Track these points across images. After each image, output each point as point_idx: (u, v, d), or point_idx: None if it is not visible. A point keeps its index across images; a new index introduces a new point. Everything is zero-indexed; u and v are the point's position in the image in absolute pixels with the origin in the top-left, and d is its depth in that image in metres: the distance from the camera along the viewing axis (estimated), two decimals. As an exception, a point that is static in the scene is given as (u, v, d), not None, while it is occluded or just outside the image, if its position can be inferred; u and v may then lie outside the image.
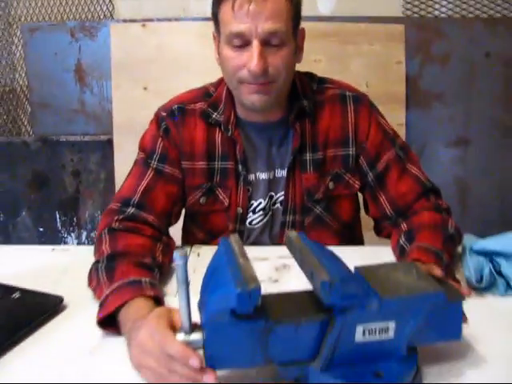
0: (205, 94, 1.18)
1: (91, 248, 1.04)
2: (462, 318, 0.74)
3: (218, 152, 1.14)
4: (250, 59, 1.00)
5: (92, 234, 2.29)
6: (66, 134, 2.20)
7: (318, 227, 1.17)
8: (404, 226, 1.11)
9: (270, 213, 1.18)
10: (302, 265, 0.71)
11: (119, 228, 1.02)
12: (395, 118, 2.07)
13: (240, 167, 1.13)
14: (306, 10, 2.10)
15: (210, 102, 1.15)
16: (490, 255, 1.01)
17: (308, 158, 1.14)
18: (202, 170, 1.14)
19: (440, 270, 0.81)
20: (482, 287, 0.98)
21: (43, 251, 1.19)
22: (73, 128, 2.21)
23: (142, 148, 1.16)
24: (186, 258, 0.65)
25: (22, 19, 2.20)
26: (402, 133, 2.09)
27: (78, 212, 2.26)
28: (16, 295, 0.95)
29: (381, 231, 1.21)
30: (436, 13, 2.17)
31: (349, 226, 1.23)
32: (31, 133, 2.29)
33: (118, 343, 0.82)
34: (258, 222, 1.18)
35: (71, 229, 2.27)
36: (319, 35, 2.05)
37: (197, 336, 0.67)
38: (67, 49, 2.15)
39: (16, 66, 2.26)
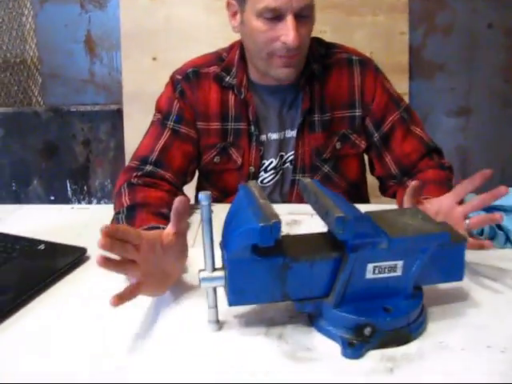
0: (218, 58, 1.23)
1: (110, 206, 1.09)
2: (464, 259, 0.79)
3: (232, 113, 1.19)
4: (287, 33, 1.04)
5: (102, 202, 2.34)
6: (77, 104, 2.25)
7: (326, 185, 1.22)
8: (409, 183, 1.16)
9: (281, 172, 1.23)
10: (317, 206, 0.76)
11: (138, 183, 1.08)
12: (399, 87, 2.08)
13: (252, 128, 1.19)
14: (311, -19, 2.13)
15: (223, 66, 1.20)
16: (490, 210, 1.06)
17: (316, 118, 1.20)
18: (216, 130, 1.19)
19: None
20: (483, 240, 1.04)
21: (63, 209, 1.24)
22: (83, 98, 2.26)
23: (158, 109, 1.21)
24: (210, 199, 0.71)
25: (32, -9, 2.23)
26: (405, 103, 2.14)
27: (89, 181, 2.32)
28: (41, 247, 0.99)
29: (386, 190, 1.27)
30: (440, -17, 2.20)
31: (356, 185, 1.29)
32: (42, 103, 2.34)
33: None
34: (270, 181, 1.23)
35: (82, 197, 2.33)
36: (324, 7, 2.08)
37: (219, 273, 0.73)
38: (77, 20, 2.19)
39: (26, 38, 2.29)
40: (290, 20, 1.04)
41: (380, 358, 0.70)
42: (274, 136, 1.21)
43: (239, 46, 1.20)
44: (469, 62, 2.19)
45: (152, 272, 0.75)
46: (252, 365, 0.69)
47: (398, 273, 0.75)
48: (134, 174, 1.10)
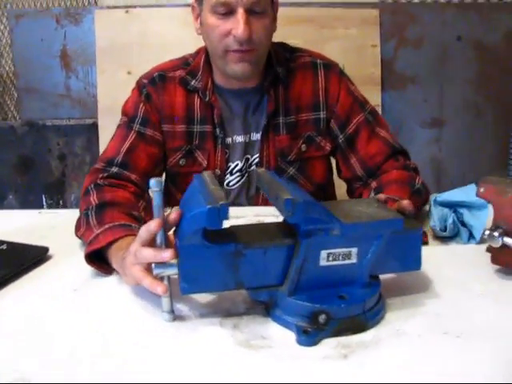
0: (184, 63, 1.24)
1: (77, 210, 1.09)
2: (421, 248, 0.80)
3: (197, 116, 1.20)
4: (237, 26, 1.05)
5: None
6: (52, 119, 2.25)
7: (292, 188, 1.23)
8: (374, 184, 1.17)
9: (247, 174, 1.24)
10: (269, 194, 0.76)
11: (104, 184, 1.07)
12: (371, 99, 2.09)
13: (217, 130, 1.19)
14: (283, -5, 2.17)
15: (189, 70, 1.21)
16: (453, 206, 1.07)
17: (281, 121, 1.21)
18: (182, 132, 1.20)
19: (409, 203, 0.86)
20: (446, 236, 1.05)
21: (31, 214, 1.25)
22: (59, 112, 2.26)
23: (124, 113, 1.21)
24: (161, 185, 0.71)
25: (8, 6, 2.24)
26: (378, 114, 2.16)
27: (64, 195, 2.30)
28: (3, 247, 1.00)
29: (353, 192, 1.27)
30: (410, -2, 2.25)
31: (322, 187, 1.29)
32: (18, 118, 2.33)
33: (100, 283, 0.88)
34: (235, 184, 1.24)
35: (58, 212, 2.31)
36: (296, 20, 2.12)
37: (172, 261, 0.72)
38: (53, 35, 2.20)
39: (2, 53, 2.30)
40: (240, 14, 1.05)
41: (335, 345, 0.70)
42: (240, 139, 1.22)
43: (205, 50, 1.22)
44: (440, 73, 2.23)
45: None
46: (204, 353, 0.68)
47: (353, 260, 0.75)
48: (100, 175, 1.10)
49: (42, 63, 2.22)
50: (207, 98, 1.18)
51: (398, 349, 0.69)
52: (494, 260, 0.90)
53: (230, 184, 1.24)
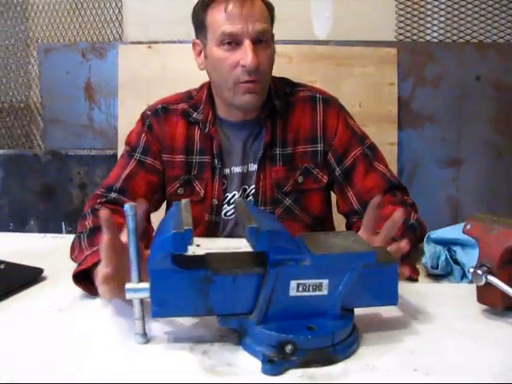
0: (187, 96, 1.28)
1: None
2: (397, 282, 0.78)
3: (197, 147, 1.23)
4: (245, 56, 1.10)
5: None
6: (75, 149, 2.32)
7: (288, 219, 1.24)
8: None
9: (244, 205, 1.25)
10: (240, 222, 0.77)
11: (101, 209, 1.10)
12: (387, 137, 2.14)
13: (216, 161, 1.22)
14: (302, 34, 2.23)
15: (192, 104, 1.26)
16: (447, 244, 1.06)
17: (278, 152, 1.23)
18: (181, 162, 1.23)
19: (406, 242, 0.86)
20: (438, 274, 1.03)
21: (35, 237, 1.31)
22: (81, 143, 2.34)
23: (127, 143, 1.26)
24: (135, 210, 0.73)
25: (39, 41, 2.36)
26: (394, 152, 2.16)
27: (83, 223, 2.35)
28: (1, 266, 1.04)
29: (351, 227, 1.27)
30: (428, 37, 2.26)
31: (320, 220, 1.29)
32: (43, 147, 2.42)
33: (86, 304, 0.90)
34: (232, 214, 1.25)
35: (76, 239, 2.36)
36: (314, 58, 2.16)
37: (145, 284, 0.74)
38: (78, 68, 2.30)
39: (31, 84, 2.41)
40: (247, 44, 1.09)
41: (300, 375, 0.69)
42: (237, 169, 1.24)
43: (208, 85, 1.26)
44: (458, 113, 2.22)
45: (121, 273, 0.78)
46: (167, 378, 0.69)
47: (324, 292, 0.74)
48: (99, 200, 1.14)
49: (67, 95, 2.31)
50: (207, 130, 1.22)
51: (364, 383, 0.68)
52: (480, 299, 0.87)
53: (228, 214, 1.25)
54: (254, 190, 1.24)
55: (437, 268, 1.02)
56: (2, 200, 2.34)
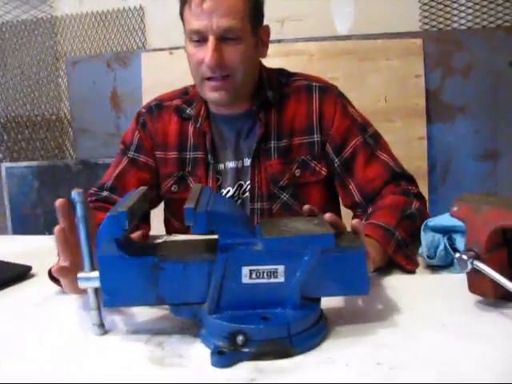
0: (183, 92, 1.27)
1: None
2: (366, 270, 0.72)
3: (190, 143, 1.21)
4: (207, 53, 1.07)
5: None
6: (103, 157, 2.37)
7: (286, 215, 1.19)
8: (369, 209, 1.11)
9: (240, 201, 1.21)
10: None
11: (92, 208, 1.11)
12: (415, 131, 2.05)
13: (209, 157, 1.19)
14: (324, 30, 2.19)
15: (186, 99, 1.24)
16: (447, 231, 0.98)
17: (272, 145, 1.18)
18: (174, 159, 1.21)
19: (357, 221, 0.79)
20: (436, 264, 0.95)
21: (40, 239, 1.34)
22: (109, 151, 2.38)
23: (122, 141, 1.26)
24: (83, 196, 0.71)
25: (67, 54, 2.44)
26: (423, 147, 2.06)
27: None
28: None
29: (356, 221, 1.20)
30: (455, 25, 2.15)
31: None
32: (74, 157, 2.49)
33: (63, 298, 0.90)
34: (228, 210, 1.22)
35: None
36: (336, 54, 2.11)
37: (97, 273, 0.72)
38: (104, 78, 2.36)
39: (61, 97, 2.50)
40: (210, 41, 1.06)
41: (249, 369, 0.65)
42: (231, 165, 1.21)
43: None
44: (492, 102, 2.09)
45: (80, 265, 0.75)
46: (114, 369, 0.66)
47: (280, 279, 0.70)
48: (89, 199, 1.14)
49: (94, 105, 2.38)
50: (199, 125, 1.19)
51: (315, 377, 0.62)
52: (471, 288, 0.80)
53: (224, 210, 1.22)
54: (249, 186, 1.20)
55: (435, 258, 0.95)
56: (37, 210, 2.42)
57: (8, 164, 2.41)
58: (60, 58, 2.47)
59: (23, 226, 2.40)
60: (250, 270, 0.69)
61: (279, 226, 0.73)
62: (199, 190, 0.76)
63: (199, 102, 1.21)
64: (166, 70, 2.22)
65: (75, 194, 0.71)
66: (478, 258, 0.76)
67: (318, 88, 1.20)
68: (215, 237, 0.71)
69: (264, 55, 1.19)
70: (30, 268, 1.04)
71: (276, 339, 0.67)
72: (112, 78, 2.35)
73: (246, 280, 0.69)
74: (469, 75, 2.09)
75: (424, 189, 2.04)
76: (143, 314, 0.79)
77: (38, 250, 1.20)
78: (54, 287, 0.93)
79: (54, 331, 0.78)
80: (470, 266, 0.76)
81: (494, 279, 0.74)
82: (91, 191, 1.18)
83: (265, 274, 0.69)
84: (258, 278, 0.69)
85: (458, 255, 0.78)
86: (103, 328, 0.75)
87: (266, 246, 0.68)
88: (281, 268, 0.69)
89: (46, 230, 2.44)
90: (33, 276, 1.04)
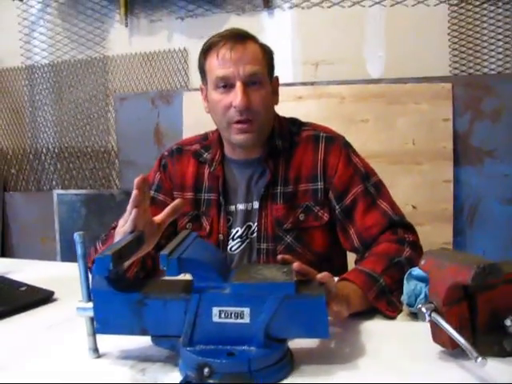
0: (203, 138, 1.39)
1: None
2: (326, 315, 0.79)
3: (205, 185, 1.32)
4: (235, 97, 1.18)
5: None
6: (146, 189, 2.52)
7: (290, 256, 1.26)
8: (366, 255, 1.17)
9: (248, 241, 1.30)
10: None
11: (111, 233, 1.24)
12: (442, 174, 2.07)
13: (220, 198, 1.29)
14: (356, 74, 2.27)
15: (204, 144, 1.35)
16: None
17: (279, 190, 1.27)
18: (190, 200, 1.32)
19: (322, 275, 0.86)
20: (416, 312, 1.00)
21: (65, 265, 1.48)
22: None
23: (145, 180, 1.38)
24: (83, 237, 0.83)
25: (116, 91, 2.64)
26: (449, 190, 2.08)
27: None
28: (23, 288, 1.21)
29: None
30: (485, 70, 2.18)
31: (325, 258, 1.29)
32: (119, 187, 2.67)
33: (74, 322, 1.02)
34: (237, 249, 1.31)
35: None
36: (367, 97, 2.17)
37: (91, 304, 0.83)
38: (148, 114, 2.53)
39: (110, 130, 2.70)
40: (238, 86, 1.17)
41: (212, 400, 0.73)
42: (241, 206, 1.30)
43: None
44: (521, 147, 2.09)
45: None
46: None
47: (246, 320, 0.78)
48: (112, 231, 1.27)
49: (138, 139, 2.55)
50: (213, 169, 1.30)
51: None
52: (434, 338, 0.85)
53: (233, 249, 1.31)
54: (256, 228, 1.30)
55: (414, 305, 1.00)
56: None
57: (59, 191, 2.63)
58: (110, 95, 2.67)
59: (71, 249, 2.56)
60: (220, 311, 0.78)
61: (250, 272, 0.82)
62: (183, 236, 0.87)
63: (216, 147, 1.32)
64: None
65: (76, 235, 0.83)
66: (435, 310, 0.81)
67: (324, 138, 1.28)
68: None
69: (277, 102, 1.30)
70: (52, 293, 1.17)
71: (238, 373, 0.75)
72: (156, 115, 2.51)
73: (215, 319, 0.78)
74: (498, 119, 2.10)
75: (449, 232, 2.05)
76: (134, 342, 0.88)
77: (65, 276, 1.33)
78: (69, 312, 1.04)
79: (56, 352, 0.89)
80: (427, 318, 0.82)
81: (446, 331, 0.79)
82: (113, 225, 1.30)
83: (232, 315, 0.78)
84: (226, 317, 0.78)
85: (418, 306, 0.83)
86: (97, 352, 0.86)
87: (234, 290, 0.77)
88: (246, 310, 0.78)
89: (92, 253, 2.62)
90: (55, 300, 1.17)
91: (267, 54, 1.25)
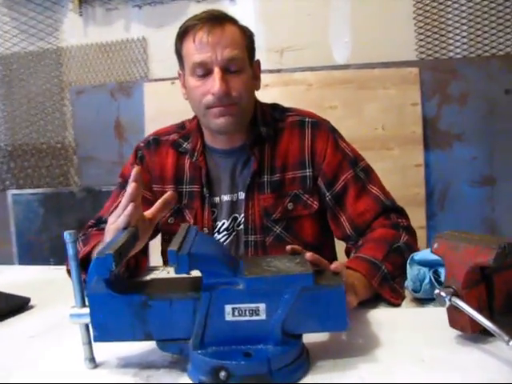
0: (179, 127, 1.31)
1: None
2: (344, 306, 0.75)
3: (186, 177, 1.24)
4: (213, 84, 1.11)
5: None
6: (107, 184, 2.41)
7: (279, 247, 1.21)
8: (360, 242, 1.13)
9: (235, 233, 1.24)
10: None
11: (91, 232, 1.17)
12: (413, 158, 2.08)
13: (204, 190, 1.23)
14: (322, 60, 2.23)
15: (183, 134, 1.28)
16: (433, 265, 1.00)
17: (266, 179, 1.21)
18: None
19: (337, 264, 0.82)
20: (422, 297, 0.97)
21: (36, 269, 1.38)
22: (113, 179, 2.41)
23: (121, 175, 1.30)
24: (75, 237, 0.75)
25: (72, 84, 2.51)
26: (420, 174, 2.09)
27: (117, 256, 2.44)
28: None
29: (348, 253, 1.23)
30: (451, 54, 2.20)
31: (315, 248, 1.23)
32: (78, 184, 2.54)
33: (57, 330, 0.93)
34: (223, 242, 1.25)
35: (111, 272, 2.45)
36: (334, 83, 2.15)
37: (87, 310, 0.75)
38: (108, 107, 2.42)
39: (66, 125, 2.56)
40: (215, 72, 1.11)
41: (232, 404, 0.67)
42: (226, 198, 1.24)
43: None
44: (488, 129, 2.11)
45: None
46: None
47: (262, 316, 0.72)
48: (89, 230, 1.19)
49: (98, 133, 2.43)
50: (195, 159, 1.23)
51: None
52: (451, 323, 0.82)
53: (219, 242, 1.25)
54: (243, 219, 1.24)
55: (420, 291, 0.97)
56: (42, 236, 2.46)
57: (14, 191, 2.47)
58: (65, 88, 2.53)
59: (28, 252, 2.44)
60: (233, 308, 0.72)
61: (262, 264, 0.76)
62: (185, 230, 0.79)
63: (196, 136, 1.25)
64: (168, 99, 2.26)
65: (67, 234, 0.75)
66: (455, 294, 0.78)
67: (310, 123, 1.24)
68: (199, 275, 0.75)
69: (258, 88, 1.24)
70: (28, 300, 1.07)
71: (257, 375, 0.69)
72: (115, 108, 2.40)
73: (228, 317, 0.72)
74: (465, 103, 2.13)
75: (422, 216, 2.06)
76: (133, 347, 0.81)
77: (39, 281, 1.24)
78: (50, 319, 0.97)
79: (45, 365, 0.80)
80: (448, 303, 0.78)
81: (470, 315, 0.76)
82: (89, 223, 1.22)
83: (247, 312, 0.72)
84: (240, 315, 0.72)
85: (437, 291, 0.80)
86: (94, 362, 0.78)
87: (248, 285, 0.71)
88: (262, 306, 0.72)
89: (51, 256, 2.48)
90: (31, 308, 1.07)
91: (247, 37, 1.18)
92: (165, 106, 2.27)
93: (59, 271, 1.33)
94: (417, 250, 1.09)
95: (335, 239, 1.30)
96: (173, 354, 0.77)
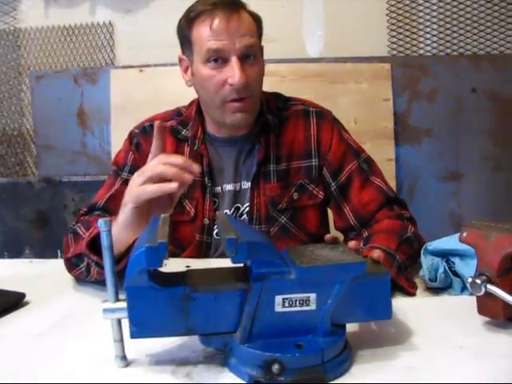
0: (176, 113, 1.26)
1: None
2: (389, 295, 0.74)
3: None
4: (233, 74, 1.06)
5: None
6: (69, 175, 2.30)
7: (284, 237, 1.19)
8: (365, 233, 1.13)
9: (237, 223, 1.21)
10: (221, 235, 0.73)
11: (90, 218, 1.10)
12: (384, 153, 2.11)
13: (206, 179, 1.18)
14: (295, 53, 2.22)
15: (180, 120, 1.23)
16: (445, 255, 1.01)
17: (272, 168, 1.19)
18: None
19: (379, 253, 0.81)
20: (437, 286, 0.98)
21: (22, 263, 1.29)
22: (75, 169, 2.31)
23: (114, 162, 1.23)
24: (109, 225, 0.69)
25: (31, 68, 2.36)
26: (391, 168, 2.13)
27: (79, 250, 2.32)
28: None
29: (348, 244, 1.23)
30: (421, 51, 2.25)
31: (317, 237, 1.24)
32: (36, 174, 2.40)
33: (65, 328, 0.87)
34: (225, 233, 1.21)
35: (72, 267, 2.33)
36: (307, 76, 2.15)
37: (122, 304, 0.70)
38: (70, 94, 2.29)
39: (24, 112, 2.41)
40: (234, 61, 1.06)
41: (287, 398, 0.65)
42: (229, 187, 1.20)
43: (197, 102, 1.23)
44: (455, 126, 2.19)
45: None
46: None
47: (312, 307, 0.70)
48: (82, 218, 1.12)
49: (59, 121, 2.30)
50: (196, 147, 1.19)
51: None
52: (481, 310, 0.83)
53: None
54: (247, 209, 1.20)
55: (435, 281, 0.98)
56: (-4, 228, 2.32)
57: (-34, 182, 2.30)
58: (23, 72, 2.37)
59: (-16, 247, 2.28)
60: (283, 299, 0.69)
61: (307, 253, 0.74)
62: (228, 218, 0.76)
63: (196, 123, 1.20)
64: (136, 87, 2.19)
65: (101, 222, 0.69)
66: (490, 281, 0.79)
67: (314, 113, 1.23)
68: (240, 265, 0.72)
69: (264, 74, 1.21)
70: (23, 295, 0.99)
71: (311, 367, 0.67)
72: (79, 94, 2.28)
73: (278, 309, 0.69)
74: (434, 100, 2.18)
75: (392, 208, 2.10)
76: (163, 343, 0.76)
77: (28, 275, 1.15)
78: (52, 316, 0.91)
79: (68, 366, 0.74)
80: (483, 290, 0.79)
81: (505, 301, 0.78)
82: (81, 212, 1.15)
83: (297, 303, 0.70)
84: (290, 306, 0.70)
85: (470, 280, 0.81)
86: (126, 360, 0.73)
87: (300, 274, 0.69)
88: (313, 296, 0.70)
89: (6, 249, 2.34)
90: (27, 304, 0.98)
91: (259, 24, 1.15)
92: (132, 94, 2.18)
93: (43, 264, 1.26)
94: (423, 240, 1.11)
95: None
96: (206, 348, 0.73)
